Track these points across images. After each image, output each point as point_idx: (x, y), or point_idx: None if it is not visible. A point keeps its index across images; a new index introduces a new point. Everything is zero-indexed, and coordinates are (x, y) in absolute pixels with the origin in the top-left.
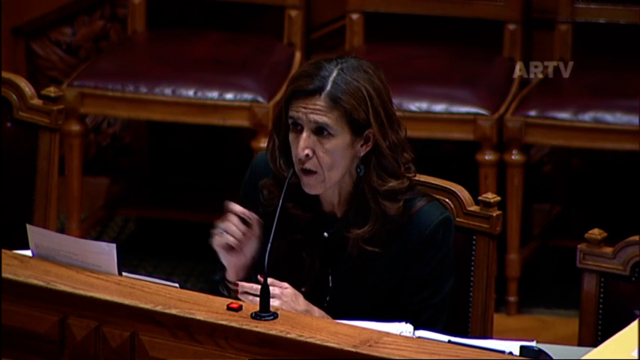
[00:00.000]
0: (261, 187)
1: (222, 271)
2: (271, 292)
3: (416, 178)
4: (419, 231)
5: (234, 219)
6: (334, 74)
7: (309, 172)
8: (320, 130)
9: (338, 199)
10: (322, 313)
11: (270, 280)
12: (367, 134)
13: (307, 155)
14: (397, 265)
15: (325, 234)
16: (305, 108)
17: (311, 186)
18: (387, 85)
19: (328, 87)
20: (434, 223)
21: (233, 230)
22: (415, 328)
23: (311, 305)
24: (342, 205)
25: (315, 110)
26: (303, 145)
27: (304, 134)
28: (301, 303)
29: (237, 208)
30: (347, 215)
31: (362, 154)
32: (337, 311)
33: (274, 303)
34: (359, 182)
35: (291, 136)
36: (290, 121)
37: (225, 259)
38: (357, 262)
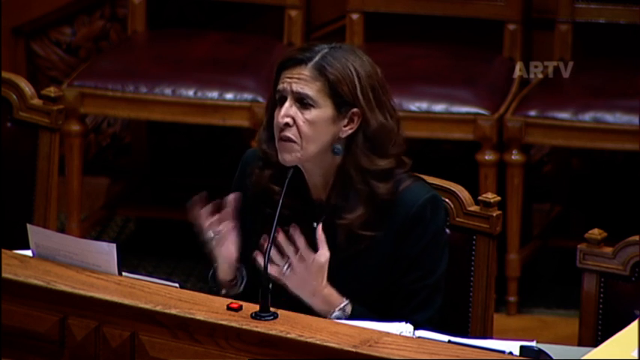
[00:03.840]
0: (250, 172)
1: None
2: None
3: (409, 166)
4: (406, 209)
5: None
6: (325, 50)
7: (287, 141)
8: (302, 101)
9: (323, 184)
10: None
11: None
12: (351, 115)
13: (287, 124)
14: (388, 247)
15: (315, 224)
16: (290, 78)
17: (286, 156)
18: (381, 77)
19: (316, 58)
20: (420, 200)
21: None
22: (411, 311)
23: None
24: (328, 189)
25: (300, 80)
26: (283, 113)
27: (287, 103)
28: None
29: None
30: (334, 202)
31: (345, 135)
32: None
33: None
34: (343, 165)
35: (277, 111)
36: (277, 96)
37: (217, 256)
38: (347, 249)
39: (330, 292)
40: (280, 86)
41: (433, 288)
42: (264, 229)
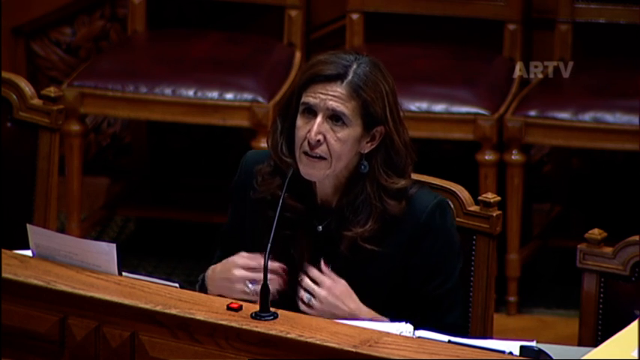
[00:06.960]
0: (256, 173)
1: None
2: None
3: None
4: (415, 218)
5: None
6: (354, 65)
7: (316, 158)
8: (335, 118)
9: (333, 191)
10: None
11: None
12: (374, 132)
13: (319, 141)
14: (397, 256)
15: (319, 227)
16: (324, 94)
17: (314, 172)
18: (395, 89)
19: (350, 75)
20: (428, 208)
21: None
22: (443, 314)
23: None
24: (335, 196)
25: (335, 97)
26: (316, 129)
27: (318, 119)
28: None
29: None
30: (342, 210)
31: (365, 151)
32: None
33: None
34: (356, 177)
35: (300, 121)
36: (302, 107)
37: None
38: (353, 256)
39: (370, 311)
40: (311, 100)
41: (455, 288)
42: (267, 230)
